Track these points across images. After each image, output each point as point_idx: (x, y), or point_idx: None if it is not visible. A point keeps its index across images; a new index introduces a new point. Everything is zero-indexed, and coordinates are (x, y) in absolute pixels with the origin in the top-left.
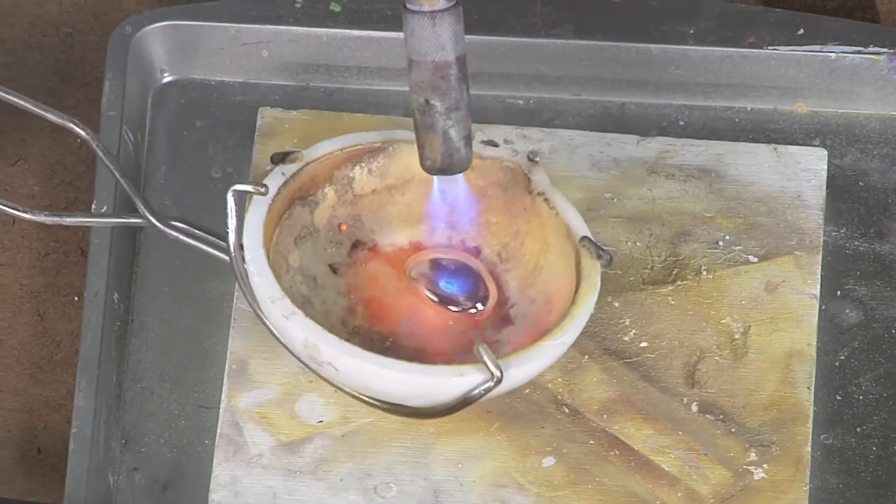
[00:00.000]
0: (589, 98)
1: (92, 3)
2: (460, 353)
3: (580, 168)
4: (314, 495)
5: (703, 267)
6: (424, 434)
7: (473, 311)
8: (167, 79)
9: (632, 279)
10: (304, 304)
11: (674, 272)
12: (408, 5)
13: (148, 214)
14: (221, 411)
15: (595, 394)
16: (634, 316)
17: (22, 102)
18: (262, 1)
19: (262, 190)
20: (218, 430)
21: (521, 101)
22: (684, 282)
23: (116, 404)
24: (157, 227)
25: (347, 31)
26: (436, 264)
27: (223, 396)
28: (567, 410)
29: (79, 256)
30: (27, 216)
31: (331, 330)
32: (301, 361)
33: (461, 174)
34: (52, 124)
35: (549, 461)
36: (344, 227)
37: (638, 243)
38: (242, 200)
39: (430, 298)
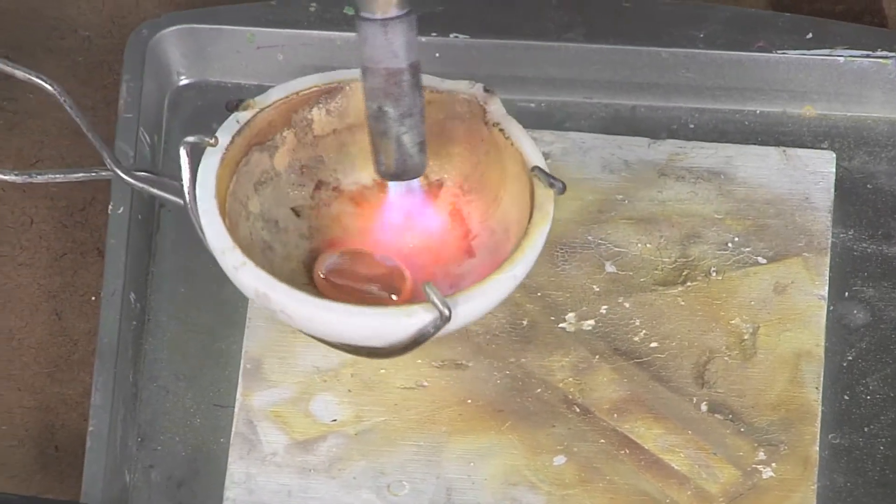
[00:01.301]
0: (600, 101)
1: (110, 7)
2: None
3: (592, 170)
4: (328, 493)
5: (713, 268)
6: (437, 433)
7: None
8: (183, 81)
9: (642, 280)
10: (265, 250)
11: (684, 273)
12: (361, 13)
13: (113, 167)
14: (236, 410)
15: (606, 393)
16: (645, 316)
17: None
18: (277, 5)
19: (212, 141)
20: (233, 429)
21: (532, 104)
22: (694, 283)
23: (133, 403)
24: (122, 178)
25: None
26: (348, 261)
27: (238, 395)
28: (578, 410)
29: (96, 257)
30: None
31: (291, 274)
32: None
33: (416, 179)
34: (71, 127)
35: (560, 460)
36: (304, 170)
37: (648, 245)
38: (196, 153)
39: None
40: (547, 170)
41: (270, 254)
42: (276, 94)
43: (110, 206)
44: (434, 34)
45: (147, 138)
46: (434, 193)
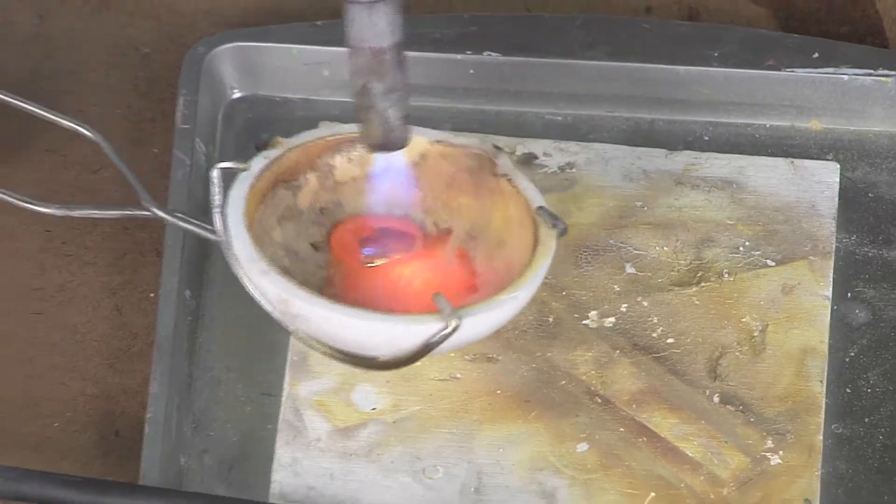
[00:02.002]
0: (621, 115)
1: (168, 26)
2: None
3: (613, 179)
4: (368, 476)
5: (725, 270)
6: (469, 421)
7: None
8: (236, 95)
9: (660, 281)
10: (285, 274)
11: (698, 274)
12: None
13: (151, 207)
14: (283, 399)
15: (625, 385)
16: (662, 314)
17: (33, 109)
18: (322, 25)
19: (244, 167)
20: (280, 416)
21: (559, 118)
22: (708, 283)
23: (187, 392)
24: (158, 216)
25: None
26: (365, 231)
27: (285, 385)
28: (599, 400)
29: (154, 257)
30: (38, 208)
31: None
32: (277, 319)
33: (400, 151)
34: (132, 137)
35: (582, 447)
36: (324, 211)
37: (665, 248)
38: (227, 178)
39: (361, 257)
40: (551, 211)
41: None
42: (303, 138)
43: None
44: (469, 52)
45: (202, 147)
46: (443, 240)
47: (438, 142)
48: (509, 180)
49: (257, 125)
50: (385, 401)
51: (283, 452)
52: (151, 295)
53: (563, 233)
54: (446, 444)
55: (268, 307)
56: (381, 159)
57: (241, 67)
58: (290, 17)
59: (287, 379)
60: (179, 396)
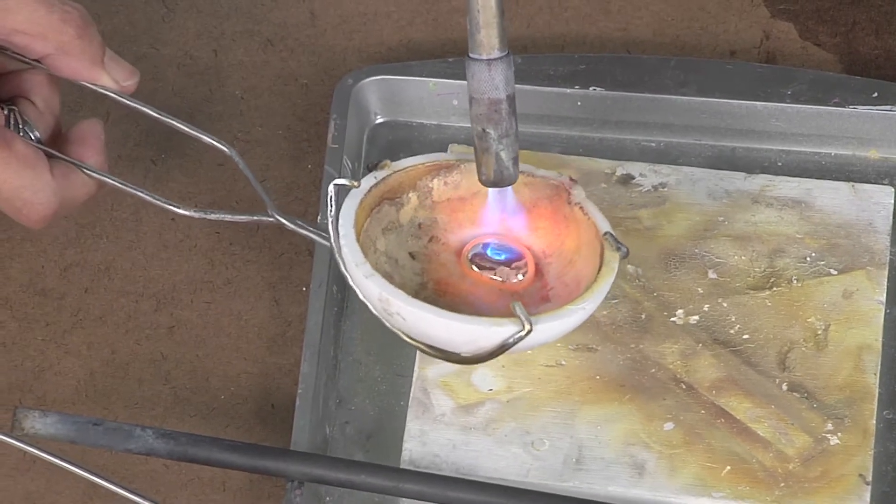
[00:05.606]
0: (707, 143)
1: (323, 61)
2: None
3: (699, 197)
4: (484, 447)
5: (794, 277)
6: (571, 402)
7: (514, 280)
8: (379, 120)
9: (738, 285)
10: (386, 277)
11: (770, 280)
12: (470, 55)
13: (275, 214)
14: (414, 379)
15: (706, 374)
16: (739, 314)
17: (182, 127)
18: (454, 62)
19: (356, 184)
20: (411, 394)
21: (654, 144)
22: (779, 288)
23: (333, 372)
24: (280, 221)
25: (518, 86)
26: (487, 246)
27: (415, 368)
28: (684, 386)
29: (307, 256)
30: (179, 210)
31: None
32: (377, 315)
33: (510, 187)
34: (290, 154)
35: (669, 426)
36: (422, 226)
37: (743, 257)
38: (341, 193)
39: (477, 271)
40: (616, 236)
41: (391, 281)
42: (407, 162)
43: (318, 217)
44: (577, 87)
45: (349, 164)
46: (542, 268)
47: (522, 172)
48: (581, 208)
49: (396, 146)
50: (500, 383)
51: (413, 425)
52: (304, 288)
53: (625, 255)
54: (552, 420)
55: (369, 305)
56: (494, 192)
57: (383, 97)
58: (425, 54)
59: (417, 363)
60: (326, 375)
